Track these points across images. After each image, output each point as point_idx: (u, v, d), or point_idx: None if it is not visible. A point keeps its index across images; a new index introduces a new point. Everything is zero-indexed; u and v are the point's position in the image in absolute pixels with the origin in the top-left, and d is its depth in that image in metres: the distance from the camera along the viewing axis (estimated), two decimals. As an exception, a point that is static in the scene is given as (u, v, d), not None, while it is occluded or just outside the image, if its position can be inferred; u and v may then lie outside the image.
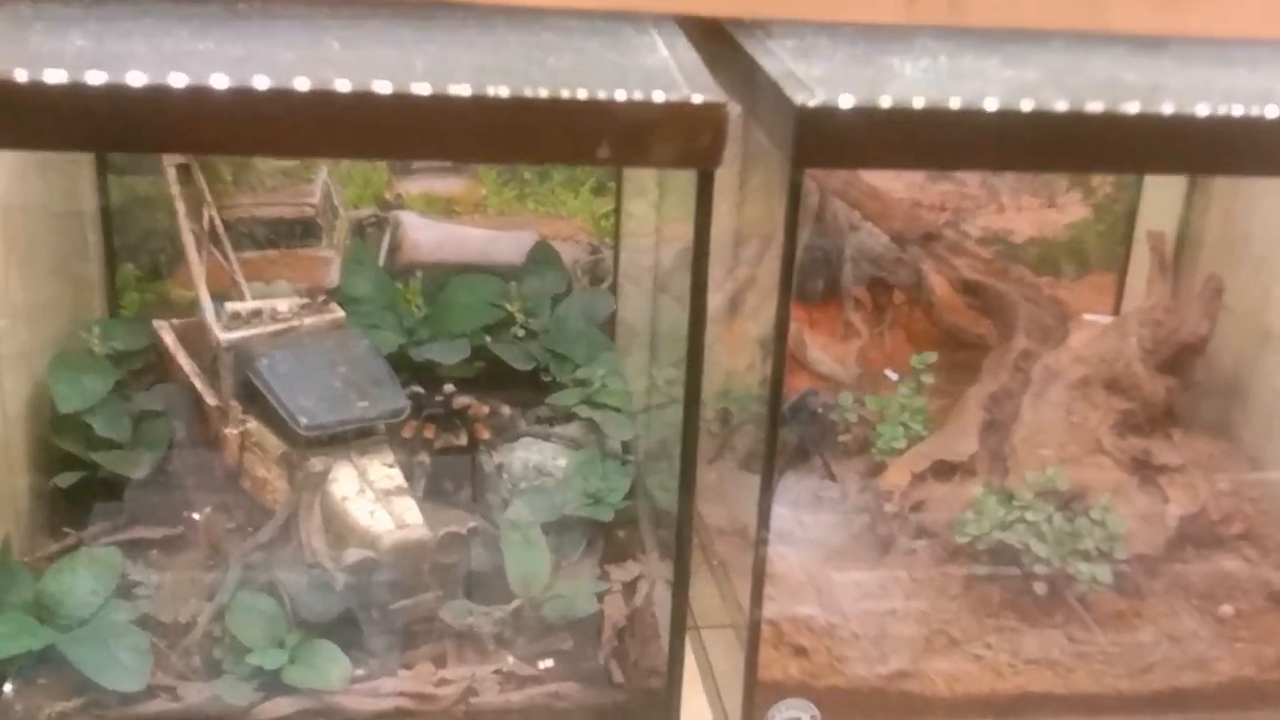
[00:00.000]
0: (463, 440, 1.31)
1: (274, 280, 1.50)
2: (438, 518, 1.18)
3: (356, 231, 1.53)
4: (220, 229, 1.37)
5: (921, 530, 1.30)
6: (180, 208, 1.32)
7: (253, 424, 1.23)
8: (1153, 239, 1.43)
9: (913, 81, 1.00)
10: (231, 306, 1.28)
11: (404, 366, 1.41)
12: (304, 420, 1.17)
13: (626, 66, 0.98)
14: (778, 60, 1.01)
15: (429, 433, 1.29)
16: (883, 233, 1.54)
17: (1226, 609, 1.25)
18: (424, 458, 1.27)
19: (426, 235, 1.55)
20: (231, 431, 1.24)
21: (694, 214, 0.92)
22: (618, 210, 1.56)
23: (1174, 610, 1.25)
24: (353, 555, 1.11)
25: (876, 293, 1.66)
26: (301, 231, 1.51)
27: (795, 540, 1.32)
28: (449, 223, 1.55)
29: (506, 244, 1.57)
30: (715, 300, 1.30)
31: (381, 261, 1.54)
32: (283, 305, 1.29)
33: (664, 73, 0.96)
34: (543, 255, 1.56)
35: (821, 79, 0.96)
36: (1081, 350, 1.39)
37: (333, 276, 1.52)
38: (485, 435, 1.32)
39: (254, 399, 1.23)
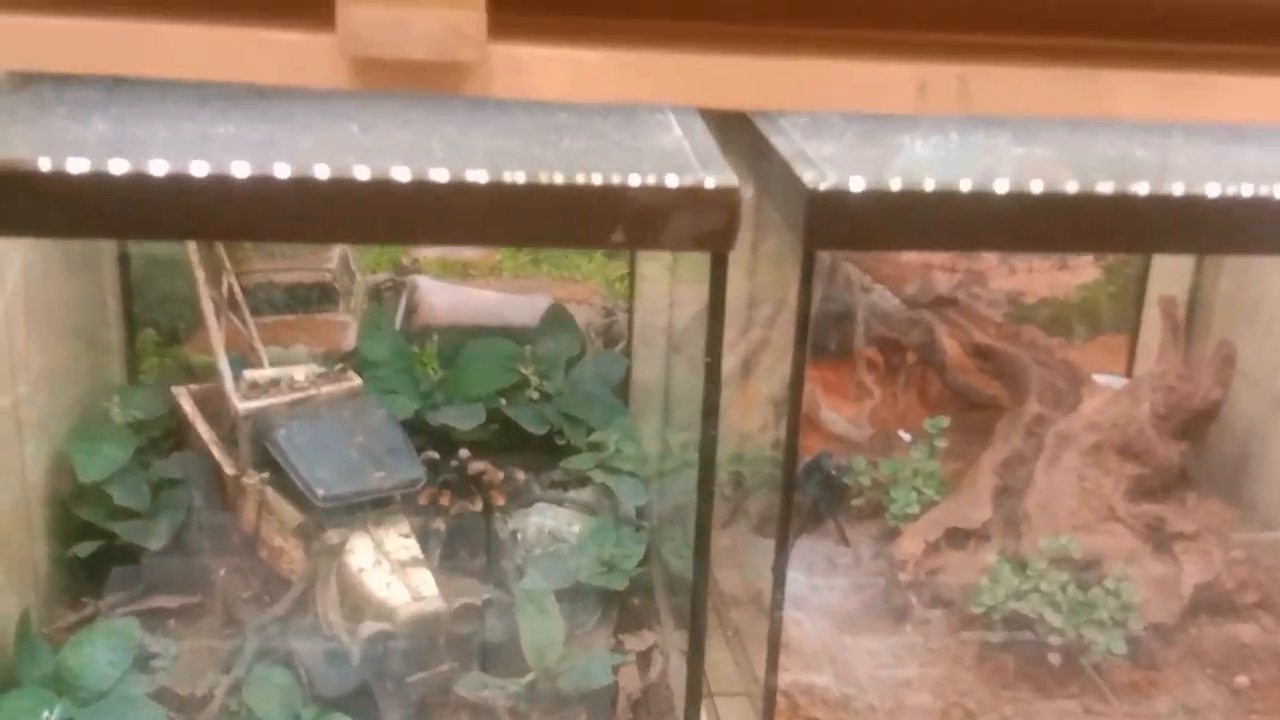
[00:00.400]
0: (478, 506, 1.32)
1: (292, 344, 1.51)
2: (453, 587, 1.18)
3: (373, 295, 1.55)
4: (239, 295, 1.39)
5: (936, 598, 1.30)
6: (200, 274, 1.33)
7: (270, 493, 1.24)
8: (1164, 304, 1.44)
9: (923, 159, 1.01)
10: (250, 375, 1.29)
11: (420, 430, 1.42)
12: (321, 492, 1.18)
13: (641, 148, 0.99)
14: (789, 138, 1.02)
15: (444, 499, 1.29)
16: (894, 295, 1.55)
17: (1242, 680, 1.24)
18: (439, 525, 1.28)
19: (442, 299, 1.57)
20: (249, 501, 1.25)
21: (708, 295, 0.93)
22: (631, 273, 1.57)
23: (1189, 680, 1.24)
24: (369, 628, 1.11)
25: (889, 353, 1.66)
26: (319, 296, 1.52)
27: (809, 607, 1.33)
28: (464, 286, 1.56)
29: (521, 307, 1.58)
30: (728, 362, 1.31)
31: (398, 325, 1.55)
32: (300, 374, 1.30)
33: (678, 154, 0.97)
34: (557, 318, 1.57)
35: (832, 158, 0.97)
36: (1094, 416, 1.39)
37: (350, 340, 1.53)
38: (500, 501, 1.32)
39: (271, 468, 1.24)
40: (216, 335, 1.32)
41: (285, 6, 0.75)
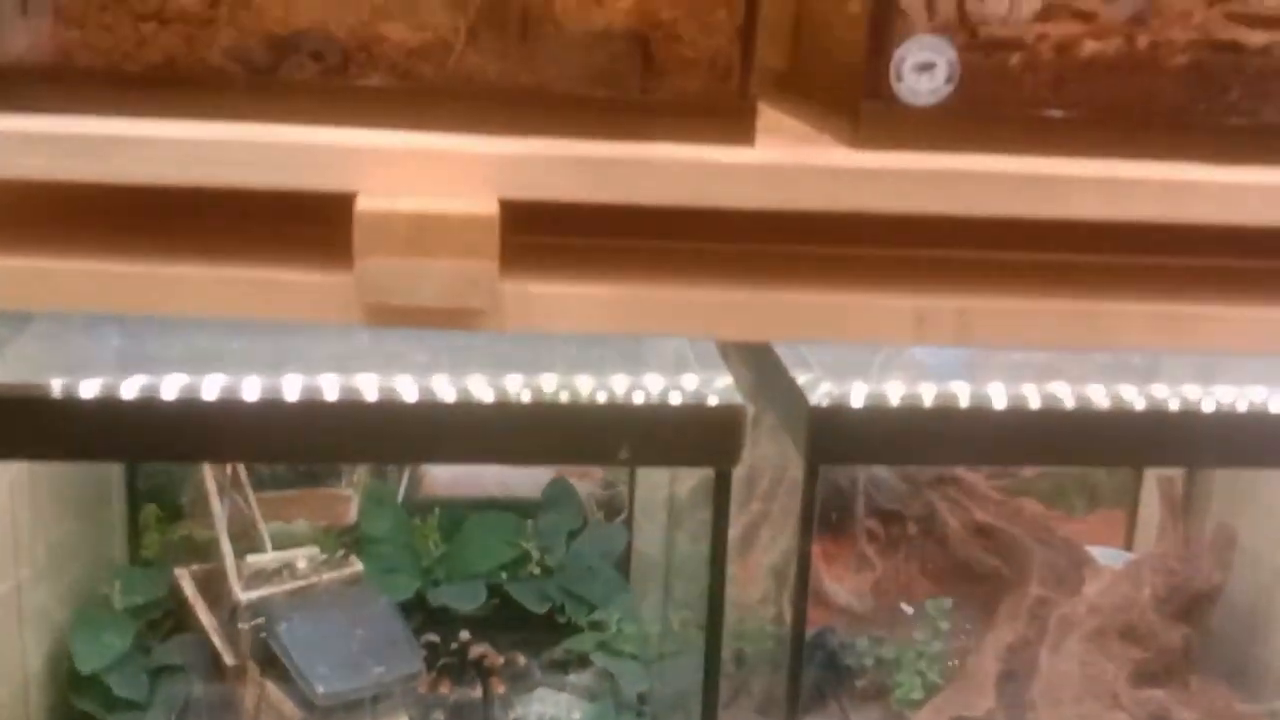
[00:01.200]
0: (478, 692, 1.31)
1: (294, 520, 1.51)
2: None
3: (376, 469, 1.56)
4: (243, 475, 1.39)
5: (941, 791, 1.29)
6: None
7: (270, 686, 1.23)
8: (1163, 485, 1.45)
9: (922, 366, 1.02)
10: (252, 561, 1.29)
11: (421, 609, 1.42)
12: (321, 689, 1.18)
13: (644, 356, 1.01)
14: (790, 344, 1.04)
15: (444, 687, 1.29)
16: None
17: None
18: (439, 715, 1.27)
19: (444, 471, 1.58)
20: (249, 692, 1.25)
21: (712, 512, 0.94)
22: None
23: None
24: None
25: (890, 524, 1.67)
26: (322, 470, 1.53)
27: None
28: (467, 459, 1.57)
29: (523, 479, 1.59)
30: (729, 535, 1.31)
31: (400, 497, 1.56)
32: (302, 561, 1.30)
33: (682, 362, 0.99)
34: (559, 491, 1.58)
35: (833, 365, 0.99)
36: (1097, 599, 1.39)
37: (352, 514, 1.53)
38: (500, 689, 1.32)
39: (271, 660, 1.23)
40: (220, 517, 1.33)
41: (300, 246, 0.77)
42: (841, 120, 0.87)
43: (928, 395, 0.94)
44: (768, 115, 0.97)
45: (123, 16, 0.78)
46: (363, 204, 0.71)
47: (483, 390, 0.89)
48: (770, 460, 1.46)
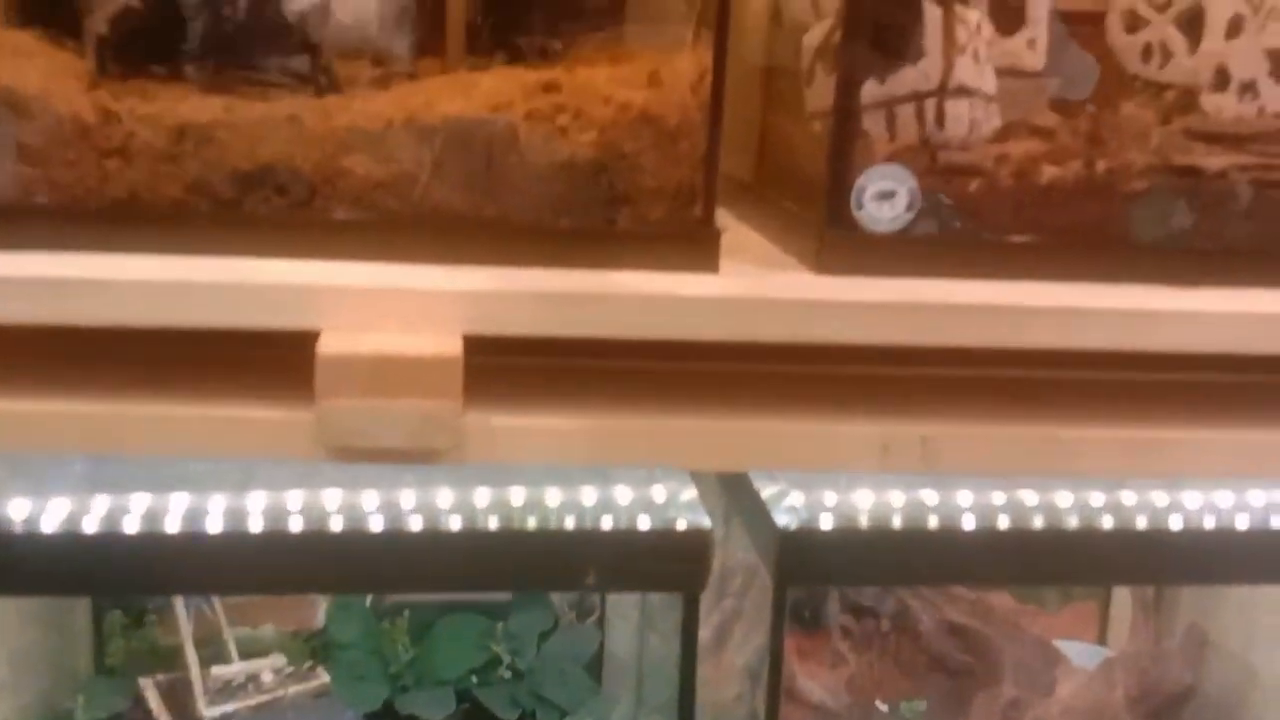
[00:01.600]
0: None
1: (261, 625, 1.50)
2: None
3: (344, 572, 1.54)
4: (209, 583, 1.38)
5: None
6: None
7: (233, 807, 1.21)
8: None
9: (891, 485, 1.02)
10: (218, 673, 1.28)
11: (389, 717, 1.41)
12: (285, 812, 1.16)
13: (610, 475, 1.01)
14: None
15: (412, 805, 1.27)
16: (867, 568, 1.56)
17: None
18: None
19: (414, 573, 1.56)
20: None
21: (680, 634, 0.94)
22: (604, 545, 1.57)
23: None
24: None
25: (864, 619, 1.66)
26: (289, 574, 1.51)
27: None
28: (437, 560, 1.56)
29: (494, 580, 1.58)
30: (702, 634, 1.30)
31: (369, 598, 1.54)
32: (268, 674, 1.29)
33: (648, 473, 0.99)
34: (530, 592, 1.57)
35: (799, 477, 0.99)
36: (1070, 700, 1.39)
37: (319, 618, 1.52)
38: (469, 807, 1.30)
39: (237, 777, 1.22)
40: (185, 625, 1.32)
41: (261, 380, 0.77)
42: (804, 242, 0.88)
43: (896, 506, 0.94)
44: (732, 230, 0.98)
45: (86, 153, 0.79)
46: (325, 345, 0.71)
47: (448, 514, 0.89)
48: (741, 559, 1.45)
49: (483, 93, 0.84)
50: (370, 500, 0.91)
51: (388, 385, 0.70)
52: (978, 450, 0.82)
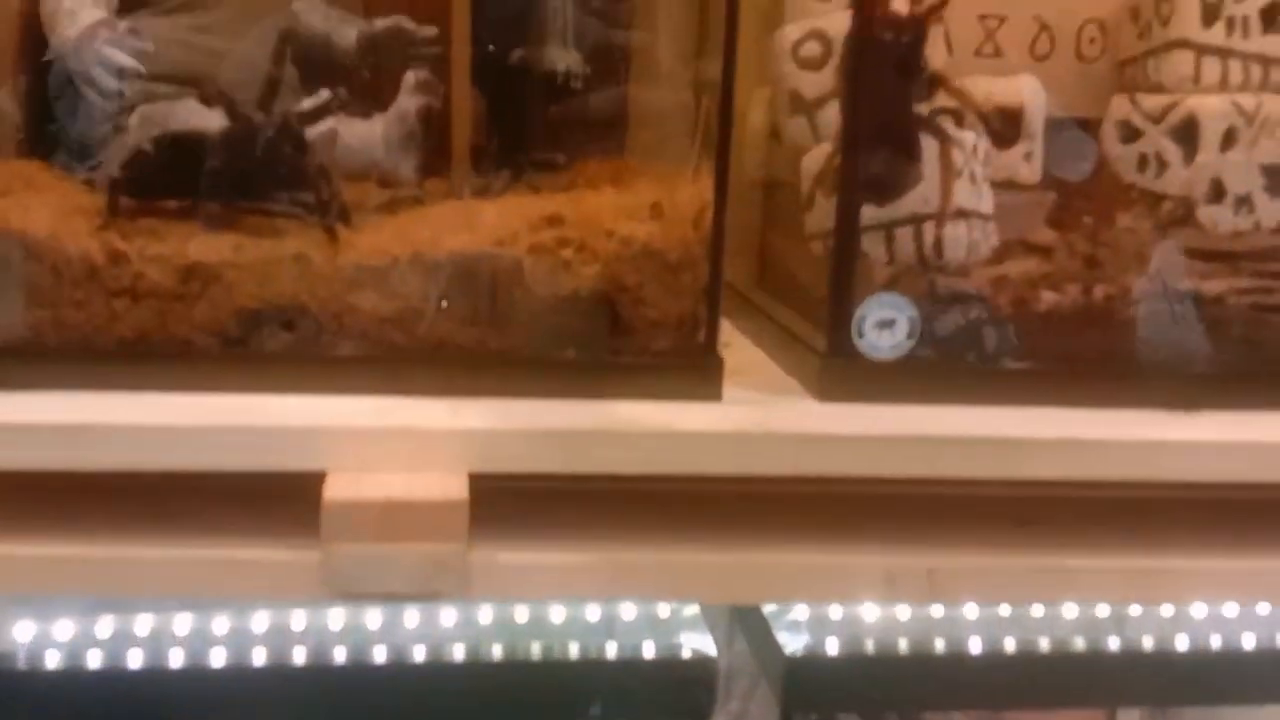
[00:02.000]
0: None
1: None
2: None
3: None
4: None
5: None
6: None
7: None
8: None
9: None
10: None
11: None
12: None
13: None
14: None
15: None
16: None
17: None
18: None
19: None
20: None
21: (686, 765, 0.93)
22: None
23: None
24: None
25: (870, 727, 1.65)
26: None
27: None
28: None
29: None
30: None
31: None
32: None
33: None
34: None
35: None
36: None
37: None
38: None
39: None
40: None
41: (266, 518, 0.77)
42: (805, 365, 0.89)
43: (901, 620, 0.94)
44: (734, 345, 0.99)
45: (95, 294, 0.79)
46: (330, 490, 0.71)
47: (456, 647, 0.89)
48: (746, 661, 1.44)
49: (487, 226, 0.85)
50: (374, 622, 0.91)
51: (394, 530, 0.70)
52: (982, 581, 0.82)
